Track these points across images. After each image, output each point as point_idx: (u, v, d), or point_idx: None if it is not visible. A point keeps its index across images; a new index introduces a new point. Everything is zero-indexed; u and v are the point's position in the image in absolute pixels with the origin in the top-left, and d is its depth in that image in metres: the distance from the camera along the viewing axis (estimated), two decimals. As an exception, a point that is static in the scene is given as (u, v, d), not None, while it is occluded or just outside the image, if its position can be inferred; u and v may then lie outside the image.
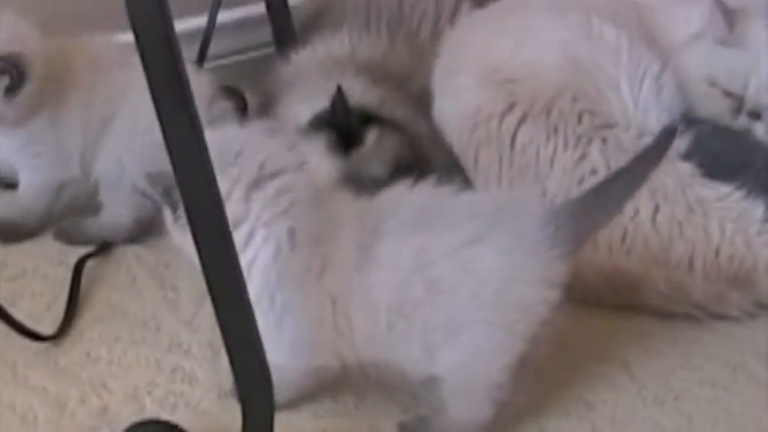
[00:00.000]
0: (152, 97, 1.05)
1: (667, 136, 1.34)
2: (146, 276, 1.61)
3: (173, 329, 1.51)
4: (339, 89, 1.60)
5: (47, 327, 1.48)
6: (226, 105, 1.70)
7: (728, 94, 1.68)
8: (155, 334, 1.50)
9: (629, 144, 1.64)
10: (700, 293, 1.57)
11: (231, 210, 1.17)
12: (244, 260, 1.20)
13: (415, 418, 1.37)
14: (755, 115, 1.68)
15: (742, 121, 1.68)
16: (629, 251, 1.59)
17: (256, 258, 1.25)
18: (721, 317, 1.58)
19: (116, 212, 1.66)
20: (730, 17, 1.68)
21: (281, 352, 1.28)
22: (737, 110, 1.68)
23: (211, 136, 1.09)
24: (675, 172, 1.63)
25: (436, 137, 1.71)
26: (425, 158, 1.67)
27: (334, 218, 1.28)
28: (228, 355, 1.18)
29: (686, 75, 1.72)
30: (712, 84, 1.69)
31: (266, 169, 1.26)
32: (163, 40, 1.03)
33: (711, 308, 1.58)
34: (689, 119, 1.71)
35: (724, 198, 1.62)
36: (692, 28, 1.74)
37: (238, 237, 1.21)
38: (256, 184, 1.25)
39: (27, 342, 1.45)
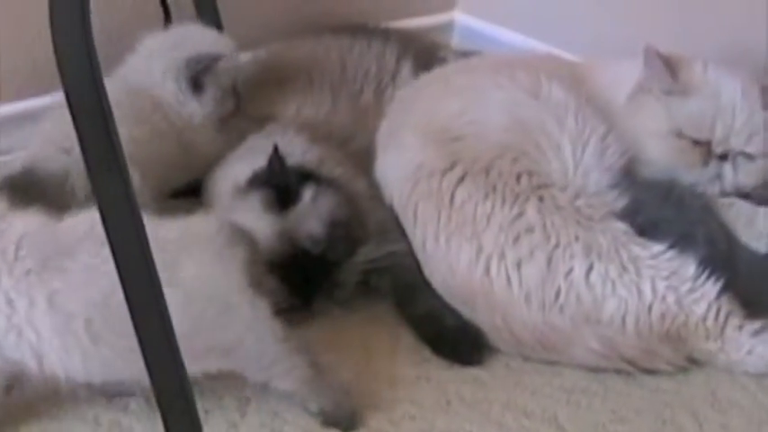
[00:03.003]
0: (84, 158, 1.08)
1: None
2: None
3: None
4: (276, 148, 1.62)
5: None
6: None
7: (697, 142, 1.70)
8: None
9: (565, 203, 1.66)
10: (631, 350, 1.59)
11: None
12: None
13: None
14: (723, 157, 1.70)
15: (713, 167, 1.70)
16: (562, 308, 1.61)
17: None
18: (652, 371, 1.60)
19: None
20: (672, 66, 1.70)
21: None
22: (708, 156, 1.70)
23: None
24: (610, 231, 1.65)
25: (375, 196, 1.73)
26: (363, 217, 1.69)
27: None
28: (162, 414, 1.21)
29: (642, 133, 1.74)
30: (679, 136, 1.71)
31: None
32: (93, 105, 1.05)
33: (643, 364, 1.60)
34: (629, 178, 1.73)
35: (656, 256, 1.64)
36: (627, 85, 1.77)
37: None
38: None
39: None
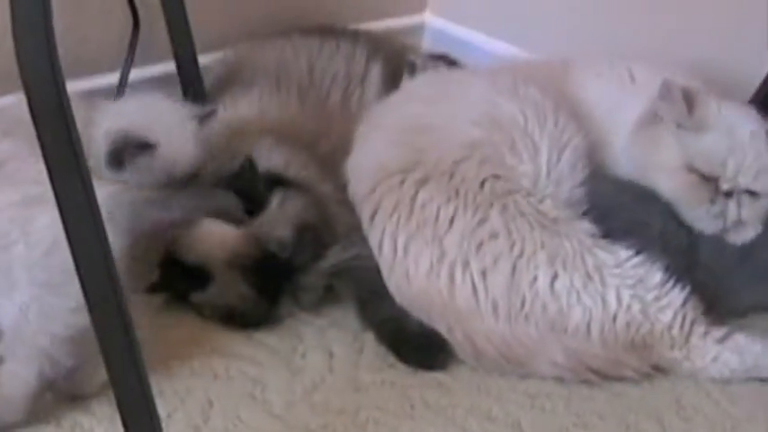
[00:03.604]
0: (45, 162, 1.07)
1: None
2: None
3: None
4: (250, 160, 1.63)
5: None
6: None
7: (706, 178, 1.70)
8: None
9: (529, 209, 1.65)
10: (596, 360, 1.59)
11: None
12: None
13: None
14: (728, 194, 1.70)
15: (719, 203, 1.69)
16: (527, 317, 1.60)
17: None
18: (616, 378, 1.61)
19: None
20: (691, 102, 1.70)
21: None
22: (715, 193, 1.70)
23: None
24: (576, 234, 1.65)
25: (342, 199, 1.73)
26: (330, 220, 1.70)
27: None
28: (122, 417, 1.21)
29: (651, 165, 1.73)
30: (690, 170, 1.70)
31: None
32: (55, 108, 1.05)
33: (608, 372, 1.60)
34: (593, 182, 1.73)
35: (622, 264, 1.64)
36: (632, 111, 1.77)
37: None
38: None
39: None
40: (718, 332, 1.64)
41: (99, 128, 1.66)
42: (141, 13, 1.97)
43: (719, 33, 2.00)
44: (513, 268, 1.60)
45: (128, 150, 1.66)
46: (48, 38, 1.04)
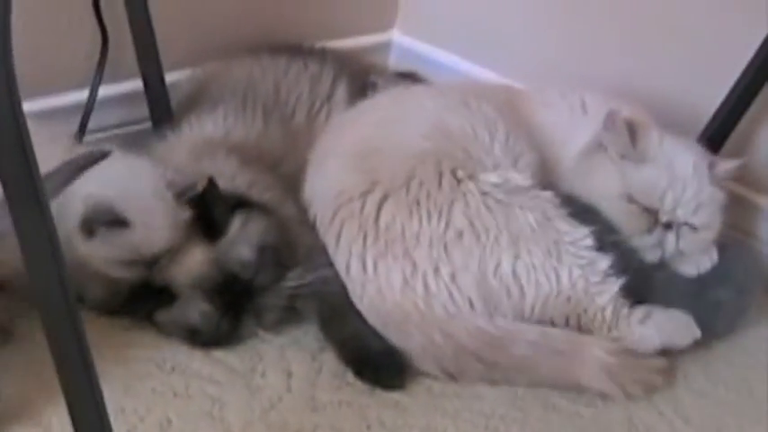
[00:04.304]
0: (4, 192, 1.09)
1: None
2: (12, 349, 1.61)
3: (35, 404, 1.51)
4: (211, 180, 1.64)
5: None
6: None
7: (646, 209, 1.73)
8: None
9: (491, 187, 1.68)
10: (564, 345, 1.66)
11: None
12: None
13: None
14: (668, 227, 1.73)
15: (657, 234, 1.73)
16: (497, 307, 1.65)
17: None
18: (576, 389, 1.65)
19: None
20: (634, 134, 1.73)
21: None
22: (654, 223, 1.73)
23: None
24: (539, 203, 1.70)
25: (304, 220, 1.74)
26: (292, 241, 1.71)
27: None
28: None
29: (593, 192, 1.77)
30: (630, 200, 1.74)
31: None
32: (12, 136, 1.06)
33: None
34: None
35: (577, 242, 1.69)
36: (582, 140, 1.80)
37: None
38: None
39: None
40: (638, 314, 1.70)
41: (81, 188, 1.55)
42: (110, 30, 1.97)
43: (677, 69, 2.04)
44: (479, 262, 1.65)
45: (101, 222, 1.61)
46: (6, 61, 1.03)
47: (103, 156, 1.47)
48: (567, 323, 1.69)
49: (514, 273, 1.65)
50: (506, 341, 1.64)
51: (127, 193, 1.63)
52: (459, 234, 1.66)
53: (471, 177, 1.69)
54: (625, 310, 1.69)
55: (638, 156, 1.75)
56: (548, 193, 1.72)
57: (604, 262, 1.69)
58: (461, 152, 1.72)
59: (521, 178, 1.71)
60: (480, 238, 1.65)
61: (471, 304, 1.64)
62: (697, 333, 1.71)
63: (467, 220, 1.66)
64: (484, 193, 1.68)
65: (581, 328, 1.69)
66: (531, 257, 1.66)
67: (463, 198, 1.68)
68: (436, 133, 1.74)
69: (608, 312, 1.68)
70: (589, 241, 1.69)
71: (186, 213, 1.65)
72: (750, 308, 1.82)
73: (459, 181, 1.69)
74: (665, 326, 1.70)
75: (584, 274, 1.68)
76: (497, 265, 1.65)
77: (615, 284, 1.69)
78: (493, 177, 1.70)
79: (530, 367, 1.65)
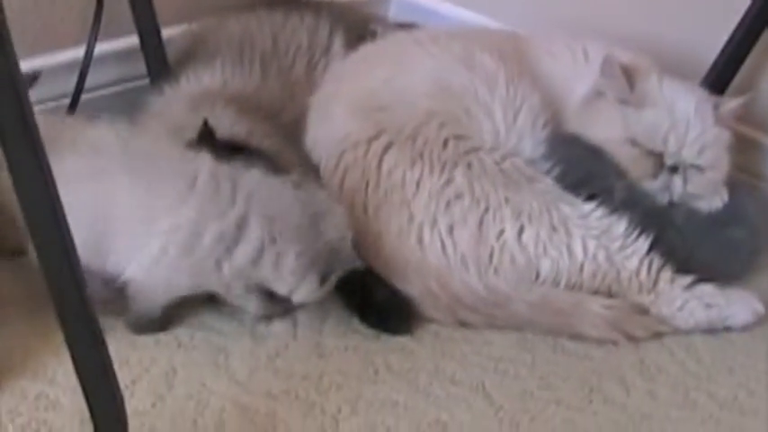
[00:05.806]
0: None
1: None
2: (15, 304, 1.60)
3: (39, 358, 1.51)
4: (206, 122, 1.62)
5: None
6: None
7: (650, 152, 1.72)
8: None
9: (493, 166, 1.68)
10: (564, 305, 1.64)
11: None
12: None
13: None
14: (674, 170, 1.72)
15: (663, 178, 1.72)
16: (497, 270, 1.64)
17: None
18: (579, 338, 1.63)
19: None
20: (631, 78, 1.72)
21: None
22: (659, 167, 1.72)
23: None
24: (540, 190, 1.69)
25: (305, 167, 1.73)
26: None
27: None
28: (82, 386, 1.21)
29: (596, 138, 1.75)
30: (633, 144, 1.73)
31: None
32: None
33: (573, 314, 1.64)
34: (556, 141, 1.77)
35: (586, 216, 1.68)
36: (582, 86, 1.79)
37: None
38: None
39: None
40: (685, 280, 1.67)
41: None
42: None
43: (678, 14, 2.02)
44: (480, 223, 1.64)
45: None
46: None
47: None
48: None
49: (520, 242, 1.65)
50: (501, 300, 1.63)
51: None
52: (460, 195, 1.66)
53: (474, 151, 1.70)
54: (668, 274, 1.67)
55: (638, 100, 1.73)
56: (548, 181, 1.71)
57: (621, 225, 1.67)
58: (463, 113, 1.72)
59: (517, 170, 1.70)
60: (481, 203, 1.65)
61: (464, 261, 1.63)
62: (761, 308, 1.68)
63: (468, 185, 1.66)
64: (485, 171, 1.68)
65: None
66: (539, 232, 1.65)
67: (467, 165, 1.68)
68: (438, 92, 1.74)
69: (642, 275, 1.66)
70: (598, 212, 1.68)
71: None
72: (763, 248, 1.80)
73: (463, 152, 1.69)
74: (715, 300, 1.67)
75: (602, 243, 1.66)
76: (501, 232, 1.65)
77: (643, 243, 1.67)
78: (493, 163, 1.69)
79: (529, 322, 1.64)
